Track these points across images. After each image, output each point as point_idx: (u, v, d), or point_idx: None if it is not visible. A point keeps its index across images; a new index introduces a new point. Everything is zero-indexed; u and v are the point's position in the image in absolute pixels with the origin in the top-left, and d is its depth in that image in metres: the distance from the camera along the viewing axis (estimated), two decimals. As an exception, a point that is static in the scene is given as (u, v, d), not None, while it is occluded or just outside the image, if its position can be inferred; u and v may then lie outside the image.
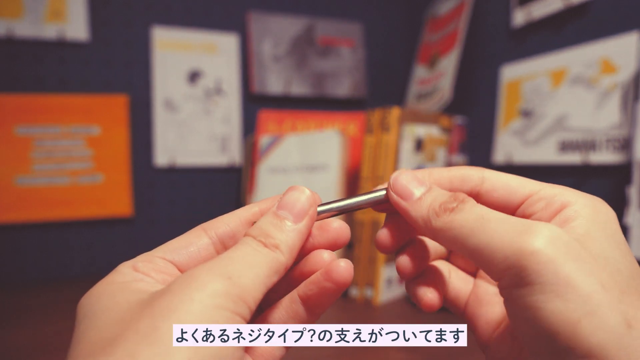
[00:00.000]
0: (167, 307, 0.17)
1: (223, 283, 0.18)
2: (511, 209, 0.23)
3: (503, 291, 0.20)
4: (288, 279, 0.24)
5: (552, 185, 0.22)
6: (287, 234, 0.22)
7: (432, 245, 0.27)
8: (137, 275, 0.20)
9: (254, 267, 0.20)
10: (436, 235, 0.22)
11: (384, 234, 0.25)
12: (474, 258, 0.21)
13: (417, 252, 0.26)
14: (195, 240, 0.23)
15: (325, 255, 0.23)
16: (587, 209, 0.20)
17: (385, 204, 0.25)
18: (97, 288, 0.20)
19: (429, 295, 0.25)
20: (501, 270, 0.19)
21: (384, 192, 0.25)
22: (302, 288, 0.23)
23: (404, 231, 0.26)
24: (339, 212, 0.24)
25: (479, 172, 0.24)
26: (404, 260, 0.25)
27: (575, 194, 0.21)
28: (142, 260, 0.21)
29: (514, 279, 0.18)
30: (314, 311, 0.23)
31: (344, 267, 0.22)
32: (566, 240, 0.18)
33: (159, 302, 0.18)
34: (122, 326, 0.17)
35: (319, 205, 0.24)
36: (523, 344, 0.20)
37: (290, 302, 0.23)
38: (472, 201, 0.21)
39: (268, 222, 0.22)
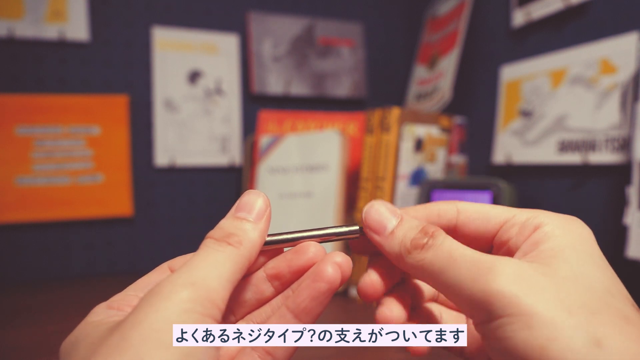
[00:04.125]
0: (135, 320, 0.18)
1: (188, 290, 0.19)
2: (488, 238, 0.23)
3: (477, 327, 0.20)
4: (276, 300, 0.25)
5: (527, 210, 0.23)
6: (248, 232, 0.22)
7: (424, 287, 0.27)
8: (110, 312, 0.21)
9: (216, 267, 0.20)
10: (409, 271, 0.23)
11: (371, 279, 0.24)
12: (446, 295, 0.21)
13: (406, 297, 0.25)
14: (162, 277, 0.23)
15: (312, 253, 0.24)
16: (557, 230, 0.21)
17: (361, 243, 0.25)
18: (74, 332, 0.20)
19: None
20: (472, 308, 0.20)
21: (357, 227, 0.25)
22: (290, 298, 0.23)
23: (392, 273, 0.25)
24: (312, 240, 0.24)
25: (453, 205, 0.24)
26: (390, 307, 0.24)
27: (547, 216, 0.22)
28: (116, 300, 0.22)
29: (484, 315, 0.19)
30: (304, 320, 0.23)
31: (331, 270, 0.22)
32: (528, 274, 0.19)
33: (127, 319, 0.18)
34: (94, 348, 0.18)
35: (290, 233, 0.24)
36: None
37: (278, 316, 0.23)
38: (441, 235, 0.22)
39: (229, 223, 0.22)
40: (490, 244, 0.24)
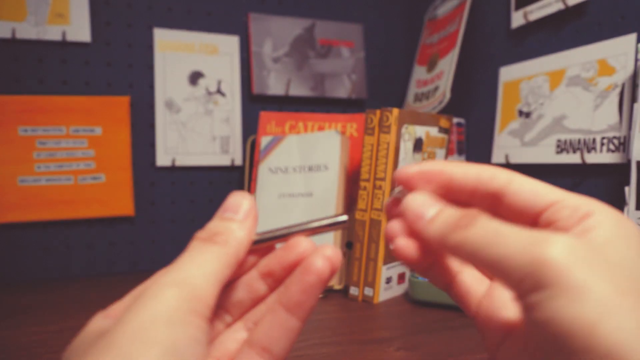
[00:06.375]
0: (123, 322, 0.18)
1: (174, 289, 0.19)
2: (534, 214, 0.23)
3: (520, 300, 0.20)
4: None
5: (577, 195, 0.22)
6: (235, 231, 0.23)
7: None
8: (107, 321, 0.21)
9: (202, 265, 0.21)
10: (452, 251, 0.22)
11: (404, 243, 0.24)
12: (490, 269, 0.20)
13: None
14: None
15: (303, 246, 0.24)
16: (609, 220, 0.21)
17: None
18: (73, 342, 0.21)
19: (402, 242, 0.24)
20: (517, 280, 0.19)
21: (345, 217, 0.25)
22: (282, 293, 0.23)
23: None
24: (300, 233, 0.25)
25: (508, 173, 0.24)
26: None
27: (599, 206, 0.21)
28: (114, 308, 0.22)
29: (530, 286, 0.18)
30: (297, 314, 0.23)
31: (320, 262, 0.23)
32: (582, 248, 0.18)
33: (117, 322, 0.19)
34: (85, 351, 0.19)
35: (279, 229, 0.25)
36: (539, 352, 0.19)
37: (272, 313, 0.23)
38: (485, 216, 0.21)
39: (215, 223, 0.23)
40: (535, 220, 0.23)
